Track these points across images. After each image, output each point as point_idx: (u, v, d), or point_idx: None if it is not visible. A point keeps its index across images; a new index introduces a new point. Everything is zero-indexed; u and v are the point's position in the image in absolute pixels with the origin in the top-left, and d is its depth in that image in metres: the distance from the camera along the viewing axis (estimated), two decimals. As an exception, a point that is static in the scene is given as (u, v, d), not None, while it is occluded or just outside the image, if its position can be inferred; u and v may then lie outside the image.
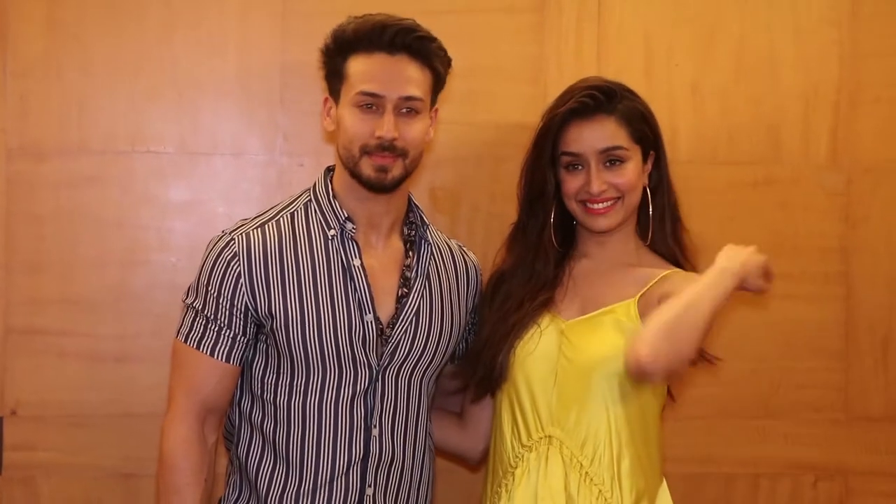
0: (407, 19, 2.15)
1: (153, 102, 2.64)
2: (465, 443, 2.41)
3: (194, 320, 2.17)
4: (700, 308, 1.98)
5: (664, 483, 2.27)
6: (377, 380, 2.19)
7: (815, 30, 2.81)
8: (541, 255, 2.30)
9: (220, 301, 2.15)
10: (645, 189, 2.28)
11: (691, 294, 2.00)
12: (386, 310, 2.19)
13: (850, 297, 2.84)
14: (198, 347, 2.16)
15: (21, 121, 2.60)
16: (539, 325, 2.24)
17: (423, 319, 2.23)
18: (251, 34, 2.66)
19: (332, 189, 2.22)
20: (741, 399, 2.83)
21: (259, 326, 2.17)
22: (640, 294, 2.19)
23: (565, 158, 2.25)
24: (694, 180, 2.67)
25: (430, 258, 2.27)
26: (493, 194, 2.73)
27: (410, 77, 2.13)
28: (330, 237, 2.18)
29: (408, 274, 2.23)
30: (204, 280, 2.17)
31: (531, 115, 2.38)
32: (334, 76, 2.17)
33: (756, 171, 2.81)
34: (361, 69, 2.12)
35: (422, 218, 2.29)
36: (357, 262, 2.17)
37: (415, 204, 2.29)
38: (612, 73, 2.52)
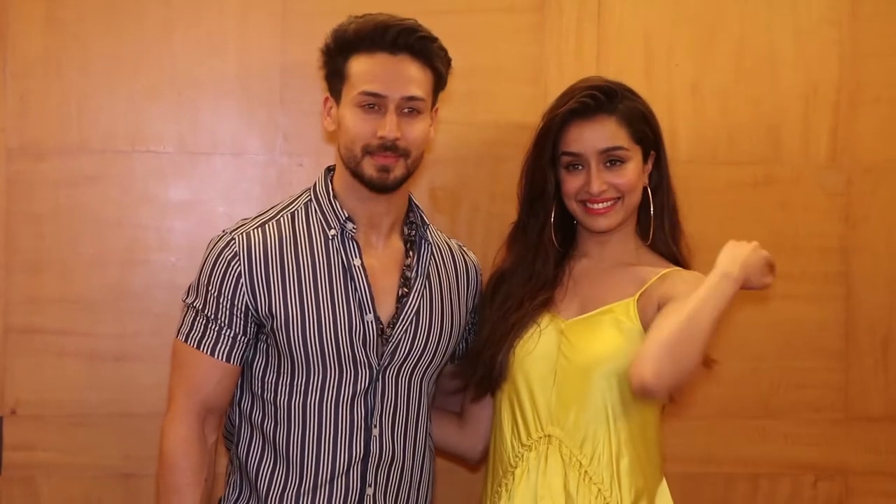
0: (408, 19, 2.15)
1: (153, 102, 2.64)
2: (465, 442, 2.41)
3: (194, 320, 2.17)
4: (701, 320, 1.98)
5: (664, 482, 2.27)
6: (377, 380, 2.19)
7: (815, 30, 2.82)
8: (541, 255, 2.30)
9: (221, 301, 2.15)
10: (645, 189, 2.28)
11: (692, 305, 2.00)
12: (386, 310, 2.19)
13: (850, 297, 2.84)
14: (198, 347, 2.16)
15: (21, 120, 2.60)
16: (538, 325, 2.24)
17: (424, 319, 2.23)
18: (251, 34, 2.66)
19: (333, 189, 2.22)
20: (741, 399, 2.83)
21: (259, 326, 2.16)
22: (639, 293, 2.19)
23: (566, 158, 2.25)
24: (694, 180, 2.67)
25: (430, 258, 2.27)
26: (493, 194, 2.73)
27: (412, 77, 2.13)
28: (330, 237, 2.18)
29: (408, 274, 2.23)
30: (204, 280, 2.17)
31: (531, 115, 2.38)
32: (335, 76, 2.17)
33: (756, 171, 2.81)
34: (363, 69, 2.12)
35: (422, 218, 2.28)
36: (357, 262, 2.17)
37: (415, 204, 2.29)
38: (612, 73, 2.52)
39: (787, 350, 2.83)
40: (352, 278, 2.17)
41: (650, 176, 2.29)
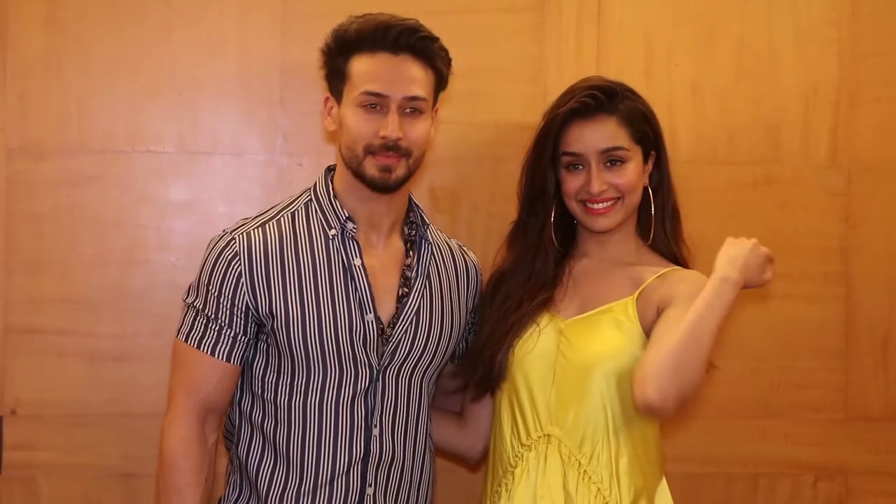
0: (410, 19, 2.15)
1: (153, 102, 2.64)
2: (465, 442, 2.41)
3: (195, 320, 2.17)
4: (703, 333, 1.99)
5: (664, 481, 2.27)
6: (377, 379, 2.18)
7: (815, 29, 2.82)
8: (541, 254, 2.30)
9: (221, 300, 2.15)
10: (646, 189, 2.28)
11: (692, 318, 1.99)
12: (386, 309, 2.19)
13: (850, 297, 2.84)
14: (198, 347, 2.16)
15: (21, 120, 2.60)
16: (538, 325, 2.24)
17: (424, 319, 2.23)
18: (251, 34, 2.66)
19: (333, 188, 2.22)
20: (741, 399, 2.83)
21: (260, 326, 2.16)
22: (637, 292, 2.19)
23: (566, 158, 2.25)
24: (694, 180, 2.67)
25: (430, 258, 2.27)
26: (493, 194, 2.73)
27: (414, 77, 2.13)
28: (330, 237, 2.18)
29: (408, 273, 2.23)
30: (204, 279, 2.17)
31: (531, 115, 2.38)
32: (336, 76, 2.17)
33: (756, 170, 2.81)
34: (365, 69, 2.12)
35: (422, 217, 2.28)
36: (358, 262, 2.17)
37: (415, 203, 2.29)
38: (612, 73, 2.52)
39: (787, 350, 2.83)
40: (352, 278, 2.17)
41: (651, 176, 2.29)
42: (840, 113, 2.82)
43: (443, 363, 2.30)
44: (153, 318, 2.63)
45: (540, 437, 2.20)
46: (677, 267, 2.25)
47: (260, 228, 2.18)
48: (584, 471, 2.16)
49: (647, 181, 2.28)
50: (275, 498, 2.17)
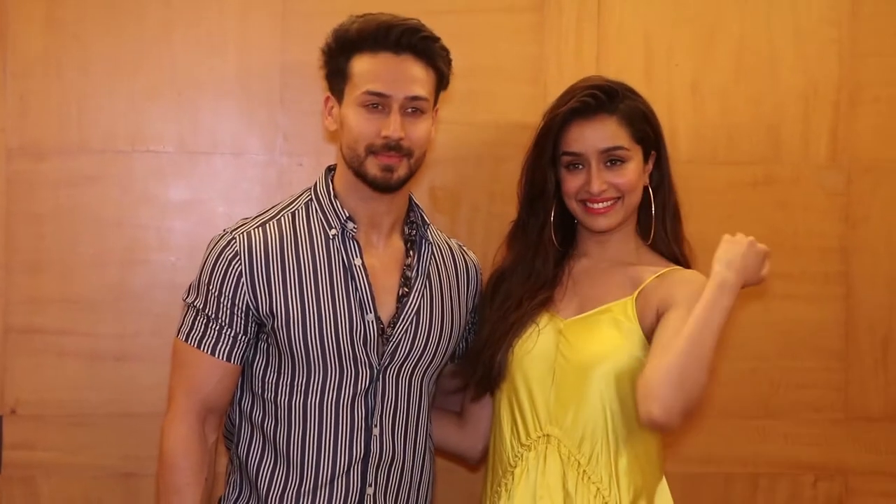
0: (411, 19, 2.15)
1: (153, 102, 2.64)
2: (465, 442, 2.41)
3: (195, 319, 2.17)
4: (704, 343, 1.99)
5: (664, 480, 2.27)
6: (378, 379, 2.18)
7: (814, 29, 2.82)
8: (540, 254, 2.30)
9: (221, 300, 2.15)
10: (646, 189, 2.28)
11: (692, 330, 1.99)
12: (387, 309, 2.19)
13: (850, 297, 2.84)
14: (198, 346, 2.16)
15: (21, 120, 2.60)
16: (537, 324, 2.24)
17: (424, 319, 2.23)
18: (251, 34, 2.66)
19: (334, 188, 2.22)
20: (741, 399, 2.83)
21: (260, 325, 2.16)
22: (637, 292, 2.19)
23: (566, 158, 2.25)
24: (694, 180, 2.67)
25: (430, 257, 2.27)
26: (493, 194, 2.73)
27: (416, 77, 2.13)
28: (331, 236, 2.18)
29: (408, 273, 2.23)
30: (205, 279, 2.17)
31: (531, 115, 2.38)
32: (337, 75, 2.17)
33: (756, 170, 2.81)
34: (367, 69, 2.12)
35: (422, 217, 2.28)
36: (358, 262, 2.17)
37: (415, 203, 2.29)
38: (612, 73, 2.51)
39: (787, 350, 2.83)
40: (352, 278, 2.17)
41: (651, 176, 2.29)
42: (840, 113, 2.82)
43: (443, 363, 2.30)
44: (153, 318, 2.63)
45: (539, 437, 2.20)
46: (677, 267, 2.25)
47: (260, 228, 2.18)
48: (584, 471, 2.16)
49: (647, 181, 2.28)
50: (275, 498, 2.17)
